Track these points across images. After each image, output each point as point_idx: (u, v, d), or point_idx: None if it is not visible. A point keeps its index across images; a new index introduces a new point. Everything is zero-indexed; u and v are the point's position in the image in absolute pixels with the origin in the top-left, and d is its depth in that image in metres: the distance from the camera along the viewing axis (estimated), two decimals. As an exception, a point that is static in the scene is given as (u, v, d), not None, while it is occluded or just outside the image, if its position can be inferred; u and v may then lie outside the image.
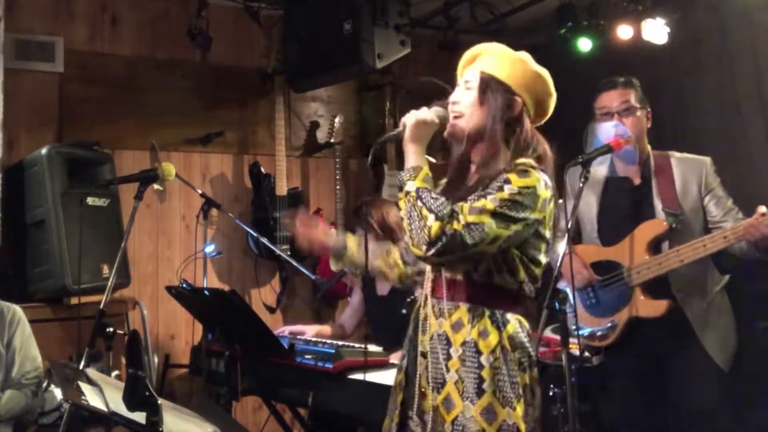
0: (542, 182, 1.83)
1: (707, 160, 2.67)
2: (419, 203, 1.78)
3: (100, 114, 4.14)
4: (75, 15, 4.14)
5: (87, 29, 4.17)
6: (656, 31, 3.84)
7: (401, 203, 1.84)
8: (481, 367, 1.79)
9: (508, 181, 1.79)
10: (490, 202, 1.76)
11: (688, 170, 2.64)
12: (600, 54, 4.19)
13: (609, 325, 2.65)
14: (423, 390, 1.88)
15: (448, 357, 1.84)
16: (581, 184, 2.29)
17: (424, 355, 1.89)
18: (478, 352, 1.80)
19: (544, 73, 1.97)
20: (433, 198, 1.79)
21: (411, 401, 1.91)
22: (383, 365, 2.58)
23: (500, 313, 1.84)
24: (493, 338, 1.81)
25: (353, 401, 2.46)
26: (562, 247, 2.32)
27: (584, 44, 4.15)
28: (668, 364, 2.60)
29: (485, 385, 1.78)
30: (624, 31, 3.97)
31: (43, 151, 3.47)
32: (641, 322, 2.62)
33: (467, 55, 2.05)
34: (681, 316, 2.56)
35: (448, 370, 1.83)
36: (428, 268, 1.96)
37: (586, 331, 2.69)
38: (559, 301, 2.16)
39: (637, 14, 3.90)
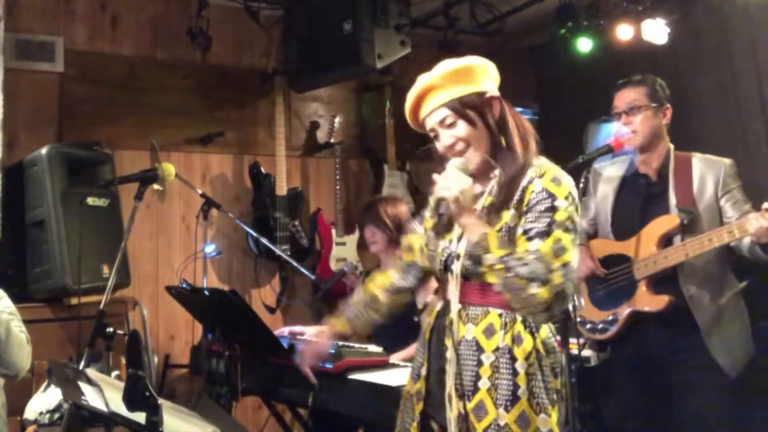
0: (571, 183, 1.82)
1: (728, 161, 2.64)
2: (511, 274, 1.72)
3: (100, 114, 4.14)
4: (75, 15, 4.15)
5: (87, 29, 4.17)
6: (656, 31, 3.84)
7: (489, 278, 1.77)
8: (515, 373, 1.75)
9: (552, 196, 1.76)
10: (562, 234, 1.73)
11: (707, 169, 2.61)
12: (600, 54, 4.19)
13: (610, 318, 2.63)
14: (449, 397, 1.83)
15: (479, 363, 1.78)
16: (581, 185, 2.28)
17: (450, 362, 1.83)
18: (513, 359, 1.76)
19: (475, 60, 1.95)
20: (518, 259, 1.72)
21: (435, 410, 1.88)
22: (383, 365, 2.58)
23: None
24: (527, 344, 1.77)
25: (353, 401, 2.45)
26: None
27: (584, 44, 4.15)
28: (669, 364, 2.56)
29: (520, 392, 1.74)
30: (624, 31, 3.97)
31: (43, 151, 3.47)
32: (643, 319, 2.59)
33: (411, 102, 1.96)
34: (685, 315, 2.52)
35: (479, 377, 1.77)
36: (453, 274, 1.88)
37: (588, 325, 2.68)
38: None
39: (637, 14, 3.90)
